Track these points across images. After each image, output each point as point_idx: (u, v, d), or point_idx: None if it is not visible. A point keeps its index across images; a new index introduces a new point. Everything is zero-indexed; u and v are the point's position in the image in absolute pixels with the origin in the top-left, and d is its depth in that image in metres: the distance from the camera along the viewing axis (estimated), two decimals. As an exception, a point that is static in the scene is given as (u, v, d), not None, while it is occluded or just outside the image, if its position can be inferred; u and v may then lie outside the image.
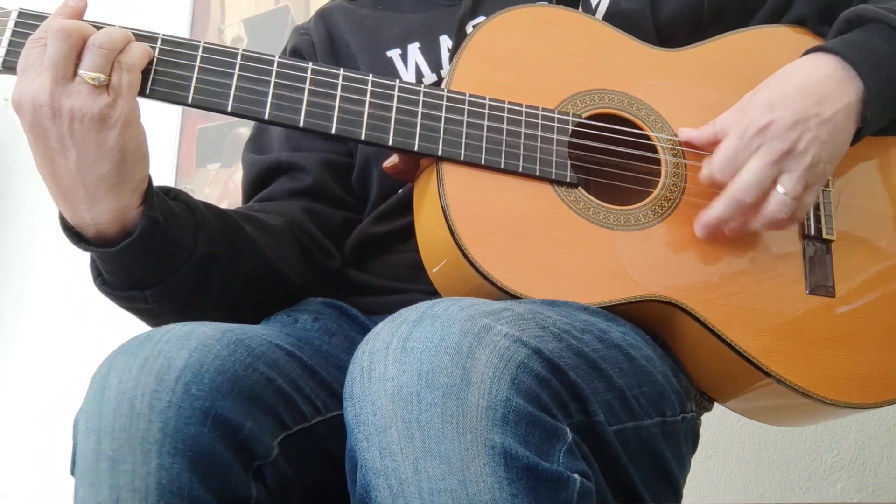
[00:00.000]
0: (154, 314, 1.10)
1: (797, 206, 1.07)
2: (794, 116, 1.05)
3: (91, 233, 1.01)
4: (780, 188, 1.06)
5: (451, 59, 1.23)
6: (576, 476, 0.83)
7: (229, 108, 1.03)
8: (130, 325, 1.08)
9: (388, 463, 0.80)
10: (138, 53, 0.99)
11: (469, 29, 1.23)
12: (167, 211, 1.04)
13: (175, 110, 2.61)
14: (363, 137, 1.06)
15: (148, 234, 1.01)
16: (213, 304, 1.12)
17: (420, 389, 0.80)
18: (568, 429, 0.86)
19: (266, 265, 1.15)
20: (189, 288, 1.08)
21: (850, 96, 1.08)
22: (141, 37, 1.02)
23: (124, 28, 1.01)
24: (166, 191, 1.08)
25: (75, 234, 1.02)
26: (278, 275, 1.17)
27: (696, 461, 1.15)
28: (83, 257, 1.05)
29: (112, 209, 0.99)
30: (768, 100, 1.07)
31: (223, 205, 1.30)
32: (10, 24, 1.01)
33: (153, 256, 1.03)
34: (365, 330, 1.16)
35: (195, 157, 2.59)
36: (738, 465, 1.89)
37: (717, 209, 1.08)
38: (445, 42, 1.26)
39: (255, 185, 1.32)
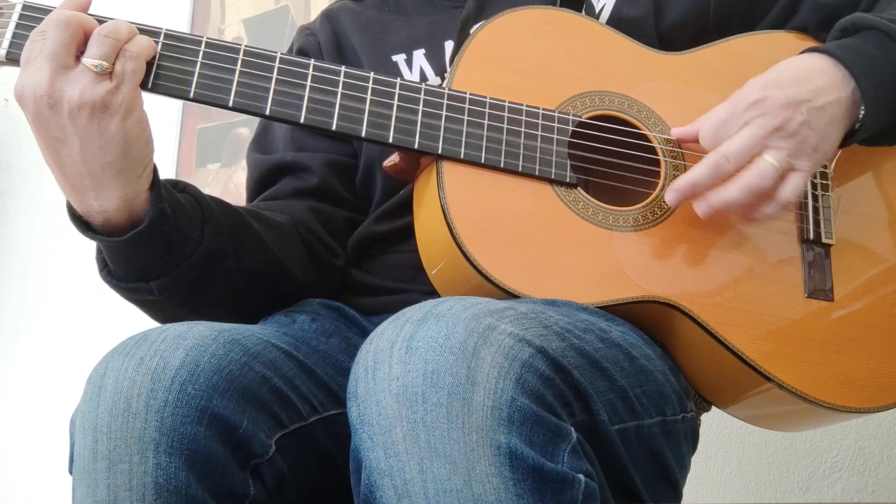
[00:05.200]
0: (159, 306, 1.10)
1: (782, 185, 1.04)
2: (787, 97, 1.05)
3: (98, 221, 1.01)
4: (766, 155, 1.03)
5: (452, 59, 1.23)
6: (581, 476, 0.83)
7: (231, 104, 1.04)
8: (129, 325, 1.08)
9: (392, 463, 0.80)
10: (144, 44, 1.00)
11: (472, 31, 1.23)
12: (175, 203, 1.04)
13: (175, 110, 2.62)
14: (363, 134, 1.06)
15: (156, 225, 1.01)
16: (217, 298, 1.12)
17: (425, 389, 0.80)
18: (572, 428, 0.86)
19: (272, 261, 1.15)
20: (195, 281, 1.08)
21: (843, 93, 1.07)
22: (144, 31, 1.02)
23: (129, 22, 1.02)
24: (174, 183, 1.08)
25: (83, 224, 1.02)
26: (283, 271, 1.17)
27: (696, 461, 1.15)
28: (83, 258, 1.05)
29: (119, 196, 0.99)
30: (762, 81, 1.07)
31: (225, 204, 1.30)
32: (15, 17, 1.01)
33: (160, 248, 1.03)
34: (363, 331, 1.16)
35: (195, 157, 2.59)
36: (738, 465, 1.89)
37: (694, 172, 1.05)
38: (450, 47, 1.26)
39: (260, 184, 1.32)
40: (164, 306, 1.09)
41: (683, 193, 1.06)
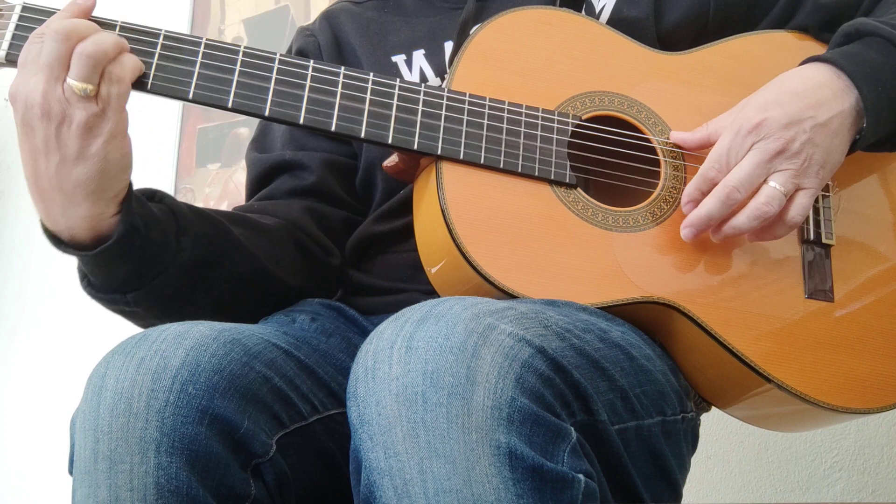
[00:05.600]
0: (138, 316, 1.10)
1: (790, 206, 1.06)
2: (787, 117, 1.05)
3: (66, 236, 1.01)
4: (771, 182, 1.05)
5: (451, 60, 1.23)
6: (580, 476, 0.84)
7: (230, 104, 1.04)
8: (128, 325, 1.08)
9: (392, 463, 0.80)
10: (130, 66, 0.99)
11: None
12: (148, 216, 1.03)
13: (175, 110, 2.61)
14: (363, 135, 1.06)
15: (125, 240, 1.00)
16: (199, 307, 1.11)
17: (425, 389, 0.80)
18: (572, 428, 0.86)
19: (257, 268, 1.15)
20: (173, 292, 1.07)
21: (845, 104, 1.07)
22: (143, 32, 1.02)
23: (123, 31, 1.01)
24: (150, 195, 1.07)
25: (53, 237, 1.02)
26: (270, 278, 1.17)
27: (696, 461, 1.15)
28: (82, 258, 1.05)
29: (85, 216, 0.99)
30: (763, 101, 1.07)
31: (223, 205, 1.30)
32: (14, 19, 1.01)
33: (133, 261, 1.03)
34: (363, 331, 1.16)
35: (195, 157, 2.59)
36: (738, 465, 1.89)
37: (705, 206, 1.06)
38: (450, 48, 1.26)
39: (259, 182, 1.32)
40: (143, 316, 1.09)
41: (699, 227, 1.07)
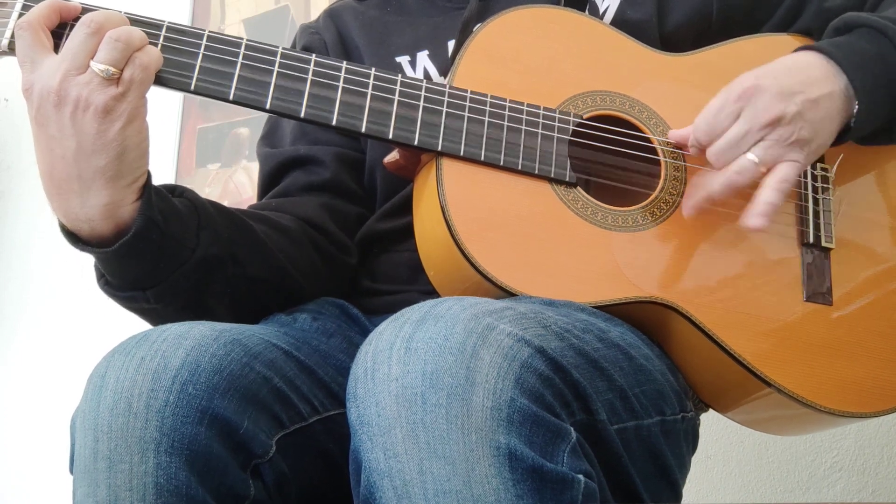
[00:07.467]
0: (157, 314, 1.09)
1: (769, 175, 1.04)
2: (780, 87, 1.05)
3: (86, 231, 1.00)
4: (749, 154, 1.04)
5: (453, 57, 1.23)
6: (580, 477, 0.84)
7: (231, 96, 1.03)
8: (129, 325, 1.08)
9: (392, 464, 0.80)
10: (155, 55, 1.00)
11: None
12: (168, 210, 1.03)
13: (175, 110, 2.62)
14: (363, 130, 1.06)
15: (144, 234, 1.00)
16: (217, 304, 1.11)
17: (425, 390, 0.80)
18: (572, 428, 0.86)
19: (275, 268, 1.15)
20: (192, 287, 1.07)
21: (835, 87, 1.07)
22: (146, 23, 1.02)
23: (129, 14, 1.02)
24: (171, 189, 1.07)
25: (72, 235, 1.01)
26: (287, 278, 1.16)
27: (696, 461, 1.15)
28: (82, 257, 1.05)
29: (104, 203, 0.98)
30: (755, 72, 1.07)
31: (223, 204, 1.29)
32: (18, 7, 1.01)
33: (152, 255, 1.02)
34: (364, 330, 1.16)
35: (195, 157, 2.59)
36: (738, 465, 1.89)
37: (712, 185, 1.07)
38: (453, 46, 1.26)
39: (271, 178, 1.31)
40: (162, 314, 1.08)
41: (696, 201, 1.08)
